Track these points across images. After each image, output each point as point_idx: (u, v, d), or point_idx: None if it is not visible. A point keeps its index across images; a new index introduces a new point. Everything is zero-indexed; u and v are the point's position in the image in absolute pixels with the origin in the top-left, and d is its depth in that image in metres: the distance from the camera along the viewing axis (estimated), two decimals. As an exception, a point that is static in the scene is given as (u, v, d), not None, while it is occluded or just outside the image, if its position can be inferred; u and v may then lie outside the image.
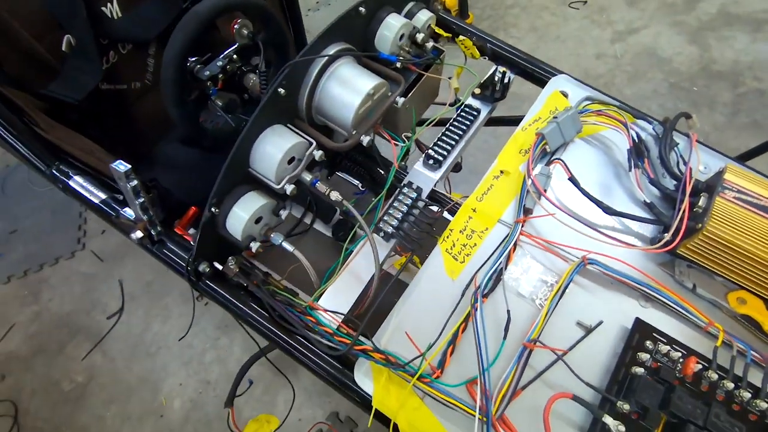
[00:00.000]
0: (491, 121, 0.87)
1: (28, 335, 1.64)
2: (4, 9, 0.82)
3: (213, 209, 0.58)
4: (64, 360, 1.58)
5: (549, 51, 2.14)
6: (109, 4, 0.99)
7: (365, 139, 0.64)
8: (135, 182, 0.58)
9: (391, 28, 0.69)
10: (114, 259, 1.77)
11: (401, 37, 0.71)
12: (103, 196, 0.71)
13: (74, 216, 1.89)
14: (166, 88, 0.74)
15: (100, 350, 1.58)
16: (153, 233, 0.65)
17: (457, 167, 1.05)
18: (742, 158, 1.00)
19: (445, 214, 0.84)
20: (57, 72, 0.90)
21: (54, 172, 0.74)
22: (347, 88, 0.62)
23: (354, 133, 0.64)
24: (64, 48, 0.92)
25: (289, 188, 0.61)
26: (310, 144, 0.62)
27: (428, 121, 0.76)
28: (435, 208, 0.68)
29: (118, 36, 1.01)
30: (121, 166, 0.56)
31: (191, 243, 0.69)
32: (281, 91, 0.58)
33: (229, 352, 1.54)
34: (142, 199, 0.61)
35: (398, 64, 0.70)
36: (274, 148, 0.59)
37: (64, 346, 1.60)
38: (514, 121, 0.97)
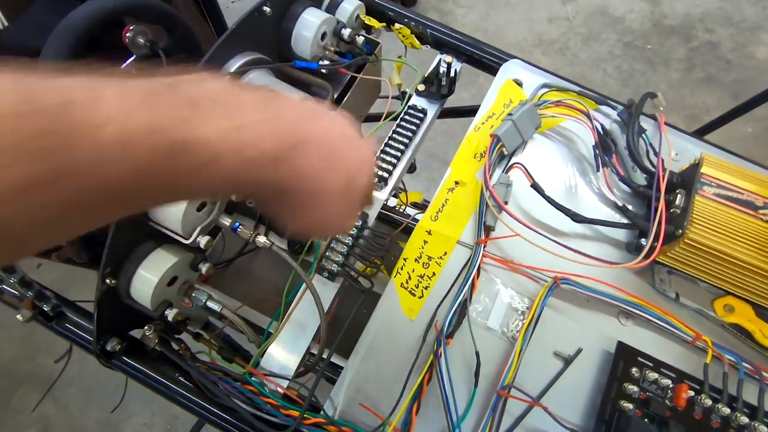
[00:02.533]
0: (442, 114, 0.78)
1: (-33, 392, 1.49)
2: None
3: (108, 280, 0.47)
4: (12, 414, 1.44)
5: (500, 18, 2.04)
6: None
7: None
8: (2, 258, 0.46)
9: (310, 26, 0.57)
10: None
11: (323, 35, 0.60)
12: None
13: None
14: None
15: (52, 398, 1.44)
16: (46, 308, 0.53)
17: (411, 168, 0.95)
18: (707, 129, 0.95)
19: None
20: None
21: None
22: (260, 109, 0.51)
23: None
24: None
25: (203, 240, 0.50)
26: (224, 182, 0.51)
27: (371, 131, 0.66)
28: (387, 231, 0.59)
29: (7, 47, 0.85)
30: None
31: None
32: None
33: (195, 380, 1.43)
34: (19, 275, 0.49)
35: (323, 70, 0.59)
36: (176, 196, 0.48)
37: (8, 398, 1.46)
38: (469, 111, 0.88)
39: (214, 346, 0.58)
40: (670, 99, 1.74)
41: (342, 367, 0.54)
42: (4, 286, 0.55)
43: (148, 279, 0.49)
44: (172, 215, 0.48)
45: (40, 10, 0.90)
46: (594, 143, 0.60)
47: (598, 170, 0.59)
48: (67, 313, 0.56)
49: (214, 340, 0.60)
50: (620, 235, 0.59)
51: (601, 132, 0.60)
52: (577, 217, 0.56)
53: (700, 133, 0.70)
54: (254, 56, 0.53)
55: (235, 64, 0.51)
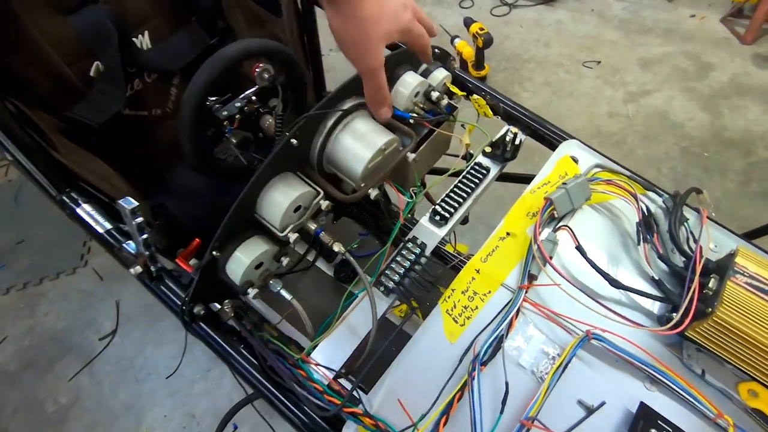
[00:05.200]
0: (501, 177, 0.88)
1: (20, 349, 1.62)
2: (43, 37, 0.85)
3: (214, 252, 0.58)
4: (52, 379, 1.55)
5: (562, 106, 2.18)
6: (140, 36, 1.03)
7: (373, 193, 0.65)
8: (140, 219, 0.58)
9: (407, 85, 0.71)
10: (114, 279, 1.76)
11: (416, 94, 0.73)
12: (108, 226, 0.71)
13: (81, 231, 1.90)
14: (182, 125, 0.76)
15: (89, 372, 1.55)
16: (152, 269, 0.65)
17: (464, 220, 1.05)
18: (754, 234, 0.99)
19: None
20: (82, 96, 0.93)
21: (63, 198, 0.74)
22: (360, 142, 0.63)
23: (362, 185, 0.64)
24: (92, 73, 0.95)
25: (293, 236, 0.61)
26: (318, 193, 0.62)
27: (436, 180, 0.77)
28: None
29: (145, 65, 1.04)
30: (128, 202, 0.56)
31: (191, 275, 0.68)
32: (294, 141, 0.59)
33: (219, 385, 1.50)
34: (145, 236, 0.61)
35: (411, 121, 0.71)
36: (282, 196, 0.59)
37: (53, 364, 1.58)
38: (524, 179, 0.98)
39: (273, 332, 0.66)
40: (724, 208, 1.76)
41: (367, 392, 0.60)
42: (125, 245, 0.67)
43: (242, 259, 0.60)
44: (274, 211, 0.60)
45: (180, 39, 1.11)
46: (638, 221, 0.67)
47: (638, 244, 0.66)
48: (165, 277, 0.67)
49: (272, 329, 0.68)
50: (653, 307, 0.63)
51: (646, 212, 0.67)
52: (615, 283, 0.62)
53: (749, 237, 0.74)
54: (361, 100, 0.66)
55: (347, 104, 0.64)
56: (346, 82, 0.63)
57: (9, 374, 1.57)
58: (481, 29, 2.16)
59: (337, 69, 2.16)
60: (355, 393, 0.56)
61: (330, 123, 0.62)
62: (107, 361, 1.56)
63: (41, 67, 0.87)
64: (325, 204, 0.63)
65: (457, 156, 0.87)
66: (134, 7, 1.00)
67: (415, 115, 0.72)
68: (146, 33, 1.04)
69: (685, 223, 0.68)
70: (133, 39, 1.01)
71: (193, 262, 0.70)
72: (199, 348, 1.56)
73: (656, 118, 2.07)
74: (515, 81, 2.32)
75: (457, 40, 2.30)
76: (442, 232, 0.71)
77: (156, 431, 1.41)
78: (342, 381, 0.60)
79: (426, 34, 0.57)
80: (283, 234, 0.60)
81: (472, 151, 0.84)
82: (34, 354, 1.61)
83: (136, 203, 0.57)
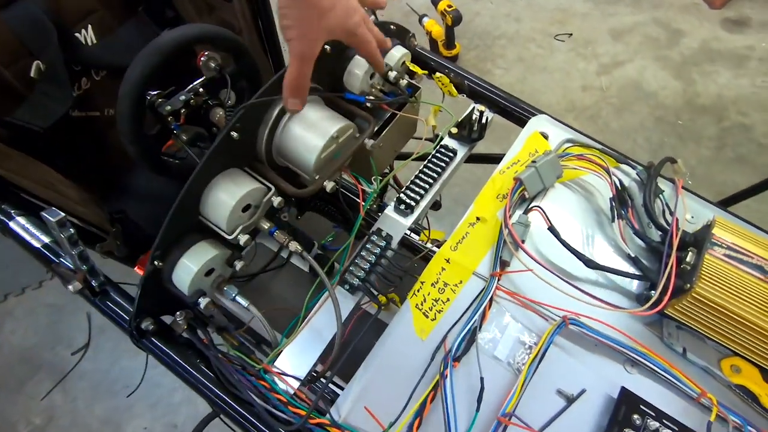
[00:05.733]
0: (471, 158, 0.83)
1: (-13, 371, 1.55)
2: None
3: (156, 262, 0.53)
4: (24, 399, 1.48)
5: (536, 82, 2.14)
6: (83, 30, 0.95)
7: (328, 185, 0.60)
8: (71, 231, 0.53)
9: (361, 65, 0.66)
10: (83, 290, 1.68)
11: (372, 75, 0.68)
12: (46, 240, 0.65)
13: (45, 243, 1.81)
14: (121, 127, 0.69)
15: (62, 389, 1.48)
16: (94, 284, 0.59)
17: (436, 205, 1.00)
18: (729, 201, 0.97)
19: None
20: (23, 98, 0.86)
21: (-7, 212, 0.68)
22: (310, 131, 0.58)
23: (317, 177, 0.59)
24: (32, 74, 0.87)
25: (243, 238, 0.56)
26: (269, 190, 0.57)
27: (398, 167, 0.72)
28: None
29: (91, 62, 0.97)
30: (53, 214, 0.50)
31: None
32: (234, 134, 0.54)
33: (199, 392, 1.45)
34: (80, 249, 0.55)
35: (368, 104, 0.66)
36: (227, 195, 0.54)
37: (24, 383, 1.50)
38: (495, 159, 0.94)
39: (234, 341, 0.62)
40: (699, 175, 1.76)
41: (343, 388, 0.56)
42: (62, 260, 0.61)
43: (188, 267, 0.55)
44: (220, 212, 0.54)
45: (128, 31, 1.04)
46: (611, 196, 0.63)
47: (613, 221, 0.62)
48: (110, 291, 0.61)
49: (233, 339, 0.64)
50: (631, 285, 0.61)
51: (619, 187, 0.64)
52: (590, 263, 0.59)
53: (725, 204, 0.72)
54: (311, 85, 0.61)
55: (294, 90, 0.58)
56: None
57: (-23, 398, 1.49)
58: (450, 6, 2.10)
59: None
60: (321, 403, 0.53)
61: (276, 111, 0.57)
62: (81, 376, 1.50)
63: None
64: (277, 201, 0.58)
65: (421, 138, 0.82)
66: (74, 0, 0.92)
67: (371, 97, 0.67)
68: (90, 27, 0.96)
69: (661, 195, 0.65)
70: (76, 34, 0.94)
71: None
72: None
73: (630, 89, 2.05)
74: (487, 59, 2.27)
75: (425, 19, 2.23)
76: (408, 221, 0.67)
77: (137, 444, 1.37)
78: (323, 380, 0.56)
79: (373, 41, 0.54)
80: (232, 236, 0.55)
81: (440, 132, 0.80)
82: (2, 374, 1.53)
83: (61, 214, 0.51)
